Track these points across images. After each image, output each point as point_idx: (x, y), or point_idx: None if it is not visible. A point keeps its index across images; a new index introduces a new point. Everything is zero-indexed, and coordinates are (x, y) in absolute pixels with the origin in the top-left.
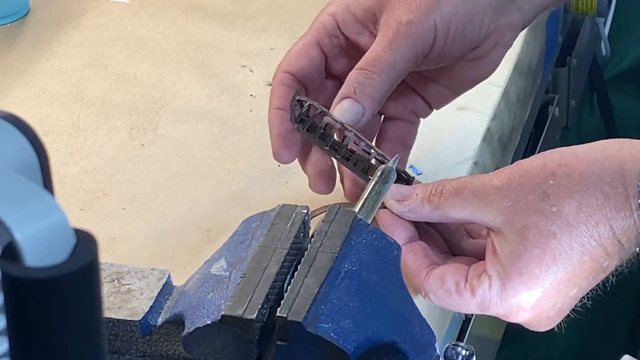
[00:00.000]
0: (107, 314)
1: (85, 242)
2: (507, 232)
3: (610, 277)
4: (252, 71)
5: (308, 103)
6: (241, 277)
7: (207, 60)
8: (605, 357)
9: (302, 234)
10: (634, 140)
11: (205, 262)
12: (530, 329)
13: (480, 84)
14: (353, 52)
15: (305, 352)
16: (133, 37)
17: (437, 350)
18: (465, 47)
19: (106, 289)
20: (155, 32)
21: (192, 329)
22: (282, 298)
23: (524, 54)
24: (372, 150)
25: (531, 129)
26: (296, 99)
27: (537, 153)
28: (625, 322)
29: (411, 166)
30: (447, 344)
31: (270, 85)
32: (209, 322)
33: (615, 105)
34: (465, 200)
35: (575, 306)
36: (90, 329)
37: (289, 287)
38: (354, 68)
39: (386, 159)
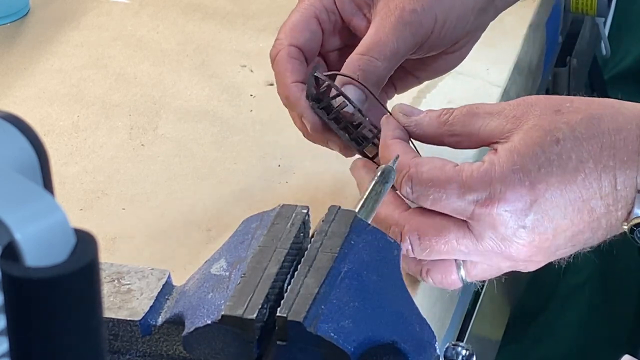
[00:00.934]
0: (107, 314)
1: (85, 242)
2: (513, 136)
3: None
4: (252, 71)
5: (327, 83)
6: (241, 277)
7: (207, 60)
8: (605, 357)
9: (302, 234)
10: None
11: (205, 262)
12: (503, 242)
13: (481, 84)
14: (343, 31)
15: (305, 352)
16: (133, 37)
17: (437, 350)
18: (451, 40)
19: (106, 289)
20: (155, 32)
21: (192, 329)
22: (282, 298)
23: (524, 54)
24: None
25: None
26: (314, 75)
27: None
28: (625, 322)
29: None
30: (447, 344)
31: (271, 85)
32: (209, 322)
33: None
34: (476, 116)
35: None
36: (90, 329)
37: (289, 287)
38: (355, 52)
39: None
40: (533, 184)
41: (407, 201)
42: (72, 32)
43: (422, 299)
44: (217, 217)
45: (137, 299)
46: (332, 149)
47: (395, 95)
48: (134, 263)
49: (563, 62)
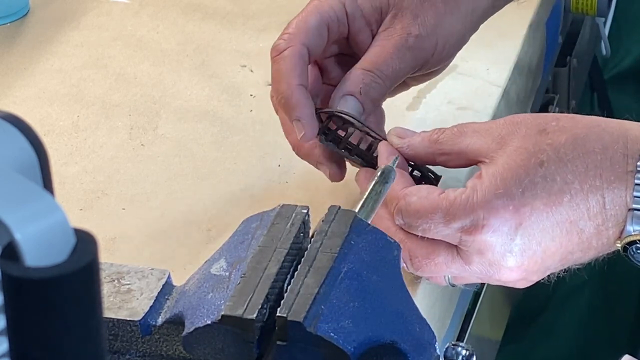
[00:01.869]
0: (107, 314)
1: (85, 242)
2: (498, 156)
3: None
4: (252, 71)
5: (328, 117)
6: (241, 277)
7: (207, 60)
8: (605, 357)
9: (302, 234)
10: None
11: (205, 262)
12: (485, 260)
13: (481, 84)
14: (346, 43)
15: (305, 352)
16: (133, 37)
17: (437, 350)
18: (447, 59)
19: (106, 289)
20: (155, 32)
21: (192, 329)
22: (282, 298)
23: (524, 54)
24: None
25: None
26: (318, 111)
27: None
28: (625, 322)
29: None
30: (447, 344)
31: (270, 85)
32: (209, 322)
33: (615, 105)
34: (464, 135)
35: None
36: (90, 329)
37: (289, 287)
38: (360, 67)
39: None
40: (517, 208)
41: None
42: (72, 32)
43: (422, 299)
44: (217, 217)
45: (137, 299)
46: (321, 171)
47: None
48: (134, 263)
49: (563, 62)
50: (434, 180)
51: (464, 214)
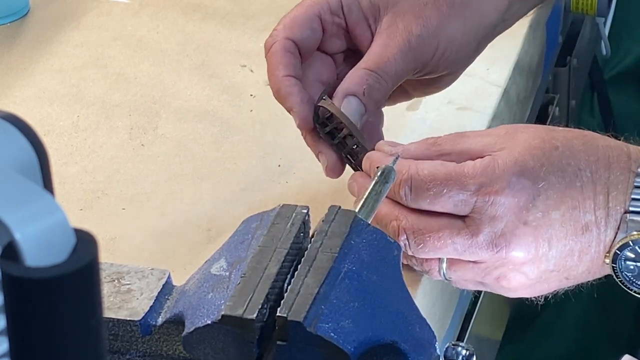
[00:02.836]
0: (107, 314)
1: (85, 242)
2: (509, 145)
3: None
4: (252, 71)
5: (330, 113)
6: (241, 277)
7: (207, 60)
8: (605, 357)
9: (302, 234)
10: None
11: (205, 262)
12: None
13: (480, 84)
14: (345, 36)
15: (305, 352)
16: (133, 37)
17: (437, 350)
18: (447, 68)
19: (106, 289)
20: (155, 32)
21: (192, 329)
22: (282, 298)
23: (524, 54)
24: None
25: None
26: (320, 103)
27: None
28: (625, 322)
29: None
30: (447, 344)
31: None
32: (209, 322)
33: (615, 105)
34: (465, 137)
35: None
36: (90, 328)
37: (289, 287)
38: (362, 67)
39: None
40: (536, 180)
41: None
42: (72, 32)
43: (422, 299)
44: (217, 217)
45: (137, 299)
46: (320, 162)
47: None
48: (134, 263)
49: (563, 62)
50: None
51: (484, 176)
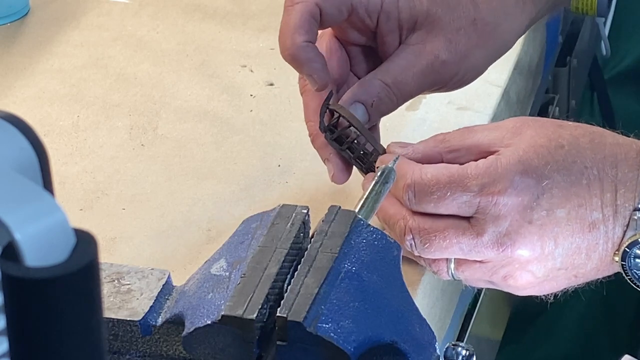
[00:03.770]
0: (107, 314)
1: (85, 242)
2: (515, 141)
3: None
4: (252, 71)
5: (338, 115)
6: (241, 277)
7: (207, 60)
8: (605, 357)
9: (302, 234)
10: None
11: (205, 262)
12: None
13: (480, 84)
14: (368, 35)
15: (305, 352)
16: (133, 37)
17: (437, 350)
18: (452, 89)
19: (106, 289)
20: (155, 32)
21: (192, 329)
22: (282, 298)
23: (524, 54)
24: None
25: None
26: (327, 106)
27: None
28: (625, 322)
29: None
30: (447, 344)
31: (271, 85)
32: (209, 322)
33: (615, 105)
34: (473, 131)
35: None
36: (90, 329)
37: (289, 287)
38: (380, 77)
39: None
40: (539, 179)
41: None
42: (72, 32)
43: (422, 299)
44: (217, 217)
45: (137, 299)
46: (327, 168)
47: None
48: (134, 263)
49: (563, 62)
50: None
51: (487, 176)
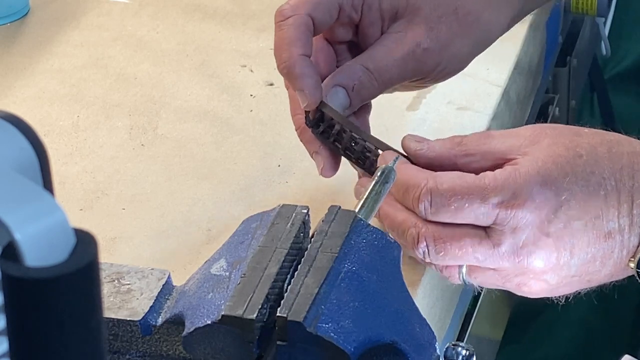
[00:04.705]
0: (107, 314)
1: (85, 242)
2: (532, 150)
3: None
4: (252, 71)
5: (330, 117)
6: (241, 277)
7: (207, 60)
8: (605, 357)
9: (302, 234)
10: None
11: (205, 262)
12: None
13: (480, 84)
14: (352, 29)
15: (305, 352)
16: (133, 37)
17: (437, 350)
18: (442, 79)
19: (106, 289)
20: (155, 32)
21: (192, 329)
22: (282, 298)
23: (524, 54)
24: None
25: None
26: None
27: None
28: (625, 322)
29: None
30: (447, 344)
31: (271, 85)
32: (209, 322)
33: (615, 105)
34: (491, 137)
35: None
36: (90, 329)
37: (289, 287)
38: (360, 62)
39: None
40: (558, 191)
41: None
42: (72, 32)
43: (422, 299)
44: (217, 217)
45: (137, 299)
46: (315, 162)
47: (396, 93)
48: (134, 263)
49: (563, 62)
50: None
51: (506, 188)
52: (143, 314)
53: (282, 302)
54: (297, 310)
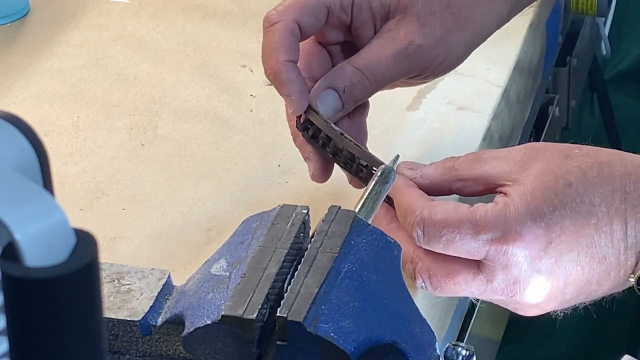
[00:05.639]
0: (107, 314)
1: (85, 242)
2: (523, 178)
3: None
4: (252, 71)
5: (320, 122)
6: (241, 277)
7: (207, 60)
8: (605, 357)
9: (302, 234)
10: None
11: (205, 262)
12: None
13: (481, 84)
14: (345, 31)
15: (305, 352)
16: (133, 37)
17: (437, 350)
18: (441, 74)
19: (106, 289)
20: (155, 32)
21: (192, 329)
22: (282, 298)
23: (524, 54)
24: (374, 159)
25: (531, 129)
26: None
27: None
28: (625, 322)
29: None
30: (447, 344)
31: (271, 85)
32: (209, 322)
33: (615, 105)
34: (482, 161)
35: (568, 311)
36: (90, 329)
37: (289, 287)
38: (352, 63)
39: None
40: (548, 226)
41: None
42: (72, 32)
43: (422, 299)
44: (217, 217)
45: (137, 299)
46: (308, 167)
47: (396, 89)
48: (134, 263)
49: (563, 62)
50: None
51: (496, 226)
52: (143, 314)
53: (282, 302)
54: (297, 310)
